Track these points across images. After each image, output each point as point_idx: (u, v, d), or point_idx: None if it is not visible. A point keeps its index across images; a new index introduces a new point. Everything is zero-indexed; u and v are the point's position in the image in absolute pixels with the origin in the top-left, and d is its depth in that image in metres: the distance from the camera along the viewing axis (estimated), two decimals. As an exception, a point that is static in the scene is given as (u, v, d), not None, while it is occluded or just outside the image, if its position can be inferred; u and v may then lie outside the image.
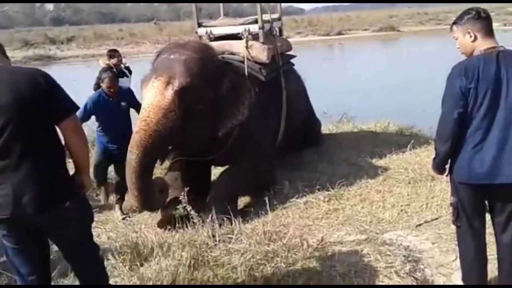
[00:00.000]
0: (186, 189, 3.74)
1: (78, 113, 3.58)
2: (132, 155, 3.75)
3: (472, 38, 2.44)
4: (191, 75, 4.03)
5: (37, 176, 2.03)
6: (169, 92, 3.92)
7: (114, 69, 5.89)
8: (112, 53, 6.27)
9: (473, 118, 2.39)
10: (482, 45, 2.42)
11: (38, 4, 71.02)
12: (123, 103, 4.56)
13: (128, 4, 76.44)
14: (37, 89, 2.03)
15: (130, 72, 6.41)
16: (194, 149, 4.34)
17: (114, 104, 4.53)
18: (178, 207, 3.90)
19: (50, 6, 72.40)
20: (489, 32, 2.44)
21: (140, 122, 3.88)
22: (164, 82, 3.96)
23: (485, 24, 2.44)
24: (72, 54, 28.23)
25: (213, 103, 4.14)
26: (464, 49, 2.51)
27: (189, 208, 3.61)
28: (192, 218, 3.52)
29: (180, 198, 3.65)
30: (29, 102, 2.01)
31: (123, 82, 5.94)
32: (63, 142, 2.17)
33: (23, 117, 2.00)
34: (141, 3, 73.34)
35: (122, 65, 6.29)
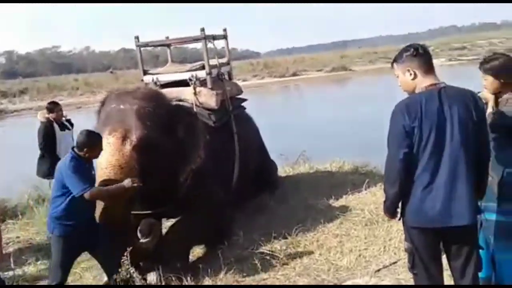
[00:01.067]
0: (129, 249, 3.44)
1: (81, 189, 3.15)
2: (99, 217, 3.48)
3: (412, 75, 2.39)
4: (146, 126, 3.78)
5: None
6: (127, 148, 3.65)
7: (55, 124, 5.69)
8: (52, 107, 5.84)
9: (420, 158, 2.30)
10: (423, 82, 2.37)
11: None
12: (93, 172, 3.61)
13: (84, 53, 76.16)
14: None
15: (72, 125, 6.05)
16: (146, 201, 4.07)
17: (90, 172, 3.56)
18: (120, 270, 3.60)
19: (2, 59, 71.01)
20: (428, 68, 2.39)
21: (100, 183, 3.51)
22: (120, 137, 3.67)
23: (424, 61, 2.39)
24: (25, 106, 27.44)
25: (171, 150, 3.92)
26: (405, 87, 2.45)
27: (131, 270, 3.33)
28: (134, 282, 3.23)
29: (122, 261, 3.35)
30: None
31: (65, 135, 5.74)
32: None
33: None
34: (97, 53, 73.23)
35: (64, 118, 5.95)
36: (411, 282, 3.00)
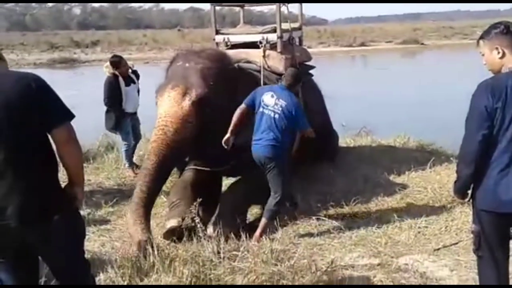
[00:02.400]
0: (199, 200, 3.66)
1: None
2: (150, 162, 3.66)
3: (500, 54, 2.26)
4: (208, 85, 3.94)
5: (24, 186, 1.91)
6: (186, 103, 3.84)
7: (120, 78, 5.59)
8: (117, 61, 5.67)
9: (499, 141, 2.21)
10: (511, 62, 2.24)
11: (65, 8, 72.59)
12: None
13: (154, 10, 77.51)
14: (27, 93, 1.91)
15: (138, 77, 5.95)
16: (207, 158, 4.22)
17: None
18: (186, 217, 3.80)
19: (77, 10, 73.93)
20: None
21: (158, 131, 3.78)
22: (181, 92, 3.87)
23: None
24: (96, 57, 28.60)
25: (229, 112, 4.02)
26: (491, 66, 2.33)
27: (197, 220, 3.51)
28: (198, 231, 3.39)
29: (190, 209, 3.57)
30: (17, 106, 1.89)
31: (130, 89, 5.69)
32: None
33: (9, 122, 1.88)
34: (166, 10, 74.27)
35: (130, 70, 5.83)
36: (472, 263, 2.97)
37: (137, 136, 5.92)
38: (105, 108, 5.64)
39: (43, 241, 1.99)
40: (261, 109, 3.88)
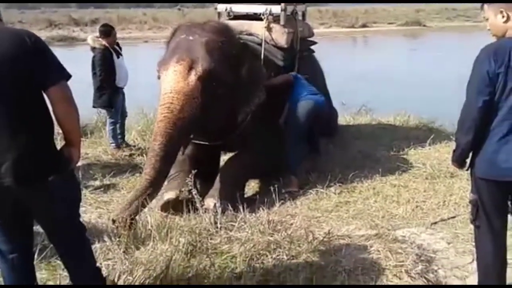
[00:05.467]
0: (194, 171, 3.62)
1: None
2: (157, 142, 3.54)
3: (505, 18, 2.21)
4: (214, 59, 3.81)
5: (18, 145, 1.88)
6: (193, 78, 3.70)
7: (111, 50, 5.24)
8: (108, 30, 5.28)
9: (500, 107, 2.17)
10: None
11: (65, -14, 71.52)
12: None
13: (153, -11, 76.46)
14: (22, 48, 1.86)
15: (121, 49, 5.56)
16: (207, 132, 4.19)
17: None
18: (183, 189, 3.79)
19: (76, -12, 72.88)
20: None
21: (163, 109, 3.64)
22: (187, 66, 3.73)
23: None
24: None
25: (232, 87, 3.96)
26: (495, 30, 2.28)
27: (194, 192, 3.49)
28: (195, 203, 3.38)
29: (186, 181, 3.54)
30: (10, 62, 1.84)
31: (121, 62, 5.40)
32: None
33: (4, 78, 1.84)
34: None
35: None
36: (469, 236, 2.97)
37: (123, 113, 5.65)
38: (91, 87, 5.32)
39: (38, 202, 1.97)
40: None
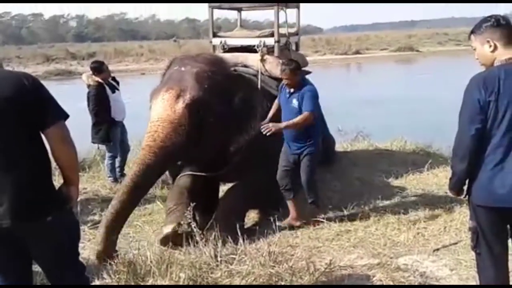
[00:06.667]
0: (192, 204, 3.62)
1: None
2: (130, 171, 3.65)
3: (492, 47, 2.25)
4: (203, 88, 3.89)
5: (16, 186, 1.88)
6: (180, 106, 3.77)
7: (105, 85, 5.30)
8: (99, 66, 5.37)
9: (493, 135, 2.19)
10: (503, 55, 2.23)
11: (61, 21, 72.78)
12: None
13: (149, 21, 77.84)
14: (21, 91, 1.88)
15: (118, 83, 5.64)
16: (203, 164, 4.19)
17: None
18: (182, 223, 3.76)
19: (73, 23, 74.15)
20: (509, 41, 2.24)
21: (148, 137, 3.73)
22: (175, 95, 3.81)
23: (506, 32, 2.24)
24: (92, 69, 28.54)
25: (224, 117, 3.99)
26: (483, 60, 2.32)
27: (193, 225, 3.47)
28: (195, 236, 3.36)
29: (185, 214, 3.53)
30: (9, 103, 1.86)
31: (116, 96, 5.45)
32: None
33: (2, 120, 1.86)
34: (162, 21, 74.57)
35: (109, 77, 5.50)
36: (472, 262, 2.93)
37: (125, 147, 5.68)
38: (90, 121, 5.34)
39: (37, 241, 1.95)
40: None
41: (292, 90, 4.10)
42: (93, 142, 5.61)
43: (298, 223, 4.12)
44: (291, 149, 4.16)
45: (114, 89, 5.49)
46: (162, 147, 3.67)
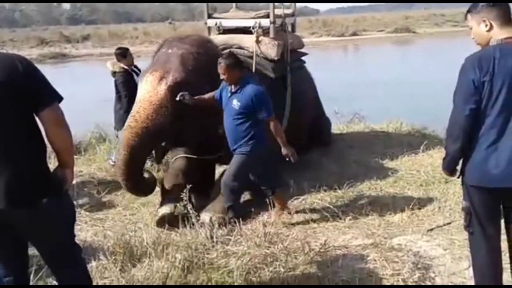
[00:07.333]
0: (188, 186, 3.63)
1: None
2: (119, 156, 3.71)
3: (488, 27, 2.23)
4: (186, 70, 3.89)
5: (11, 168, 1.87)
6: (162, 87, 3.80)
7: (130, 71, 5.29)
8: (124, 52, 5.39)
9: (487, 115, 2.18)
10: (499, 34, 2.21)
11: (55, 4, 71.90)
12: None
13: (144, 4, 76.90)
14: (14, 73, 1.86)
15: (140, 70, 5.45)
16: (198, 146, 4.18)
17: None
18: (178, 205, 3.78)
19: (67, 6, 73.25)
20: (506, 20, 2.22)
21: (129, 119, 3.79)
22: (158, 77, 3.84)
23: (502, 12, 2.23)
24: (87, 52, 28.36)
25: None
26: (479, 39, 2.30)
27: (189, 206, 3.50)
28: (191, 217, 3.38)
29: (181, 196, 3.54)
30: (2, 86, 1.84)
31: None
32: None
33: None
34: (157, 3, 73.68)
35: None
36: (465, 242, 2.95)
37: None
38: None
39: (32, 225, 1.95)
40: None
41: (233, 89, 3.73)
42: (117, 130, 5.42)
43: (286, 212, 3.96)
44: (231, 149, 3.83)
45: (137, 75, 5.43)
46: (144, 128, 3.72)
